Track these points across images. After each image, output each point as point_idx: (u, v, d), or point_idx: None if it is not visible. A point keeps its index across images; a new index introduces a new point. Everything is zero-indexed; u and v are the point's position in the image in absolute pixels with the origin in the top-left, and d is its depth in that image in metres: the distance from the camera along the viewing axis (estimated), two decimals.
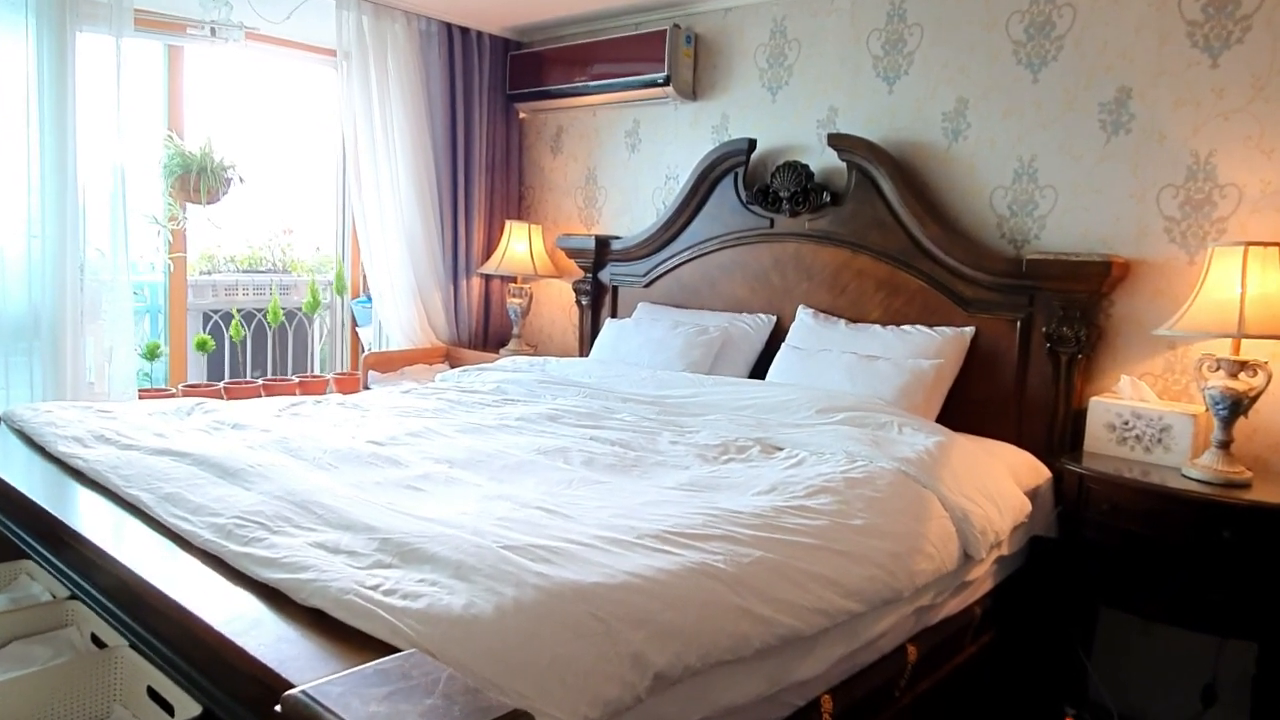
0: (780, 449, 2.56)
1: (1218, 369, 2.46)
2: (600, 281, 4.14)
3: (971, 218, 3.13)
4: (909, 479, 2.30)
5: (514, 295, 4.33)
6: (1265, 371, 2.39)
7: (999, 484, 2.50)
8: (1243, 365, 2.41)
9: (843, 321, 3.27)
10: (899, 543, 2.05)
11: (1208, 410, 2.49)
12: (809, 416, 2.76)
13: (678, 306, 3.82)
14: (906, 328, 3.11)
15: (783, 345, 3.27)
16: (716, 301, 3.72)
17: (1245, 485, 2.40)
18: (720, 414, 2.85)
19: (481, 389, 3.26)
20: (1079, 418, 2.80)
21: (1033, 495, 2.69)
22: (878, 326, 3.17)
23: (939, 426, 2.68)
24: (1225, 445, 2.45)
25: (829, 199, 3.33)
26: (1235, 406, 2.41)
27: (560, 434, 2.63)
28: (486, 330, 4.62)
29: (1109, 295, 2.84)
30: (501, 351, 4.26)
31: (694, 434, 2.69)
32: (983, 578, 2.45)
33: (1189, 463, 2.51)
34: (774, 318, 3.52)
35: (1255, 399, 2.40)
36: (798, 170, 3.40)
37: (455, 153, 4.31)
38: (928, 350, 2.98)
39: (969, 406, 3.01)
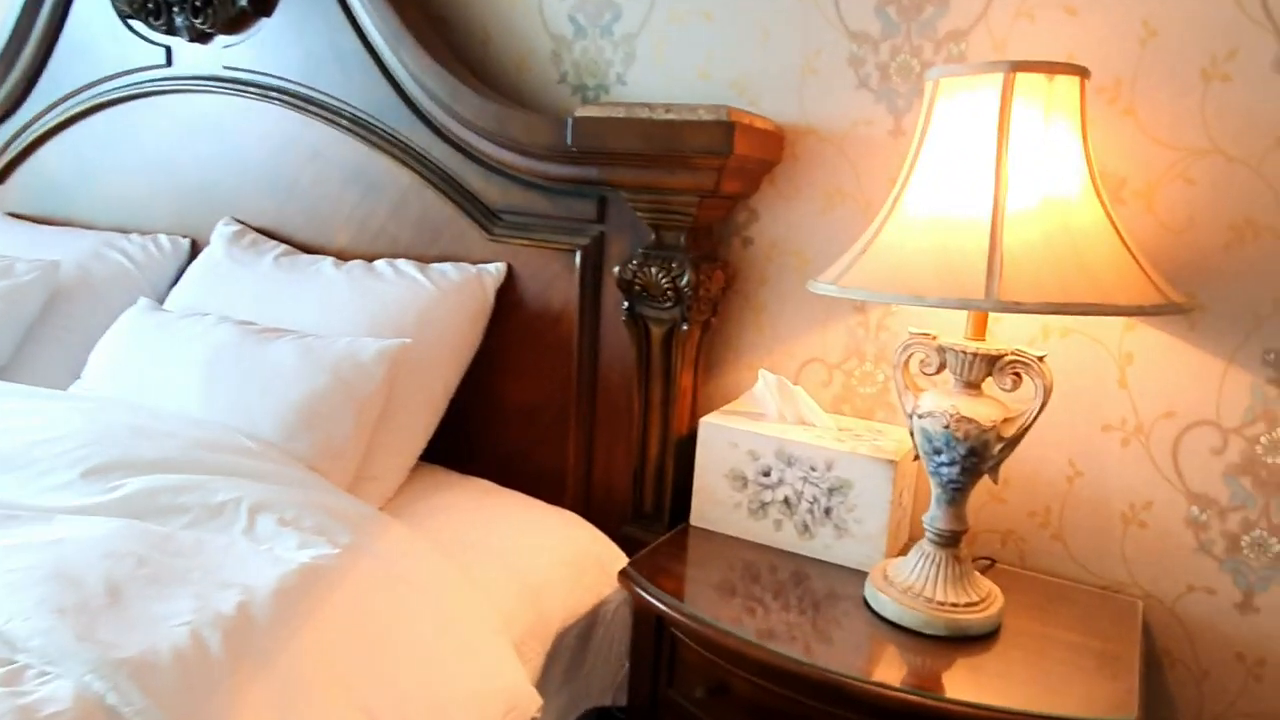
0: None
1: (939, 369, 1.07)
2: None
3: (505, 40, 1.57)
4: None
5: None
6: (1042, 379, 1.02)
7: (460, 671, 1.01)
8: (995, 363, 1.03)
9: (274, 252, 1.64)
10: None
11: (919, 458, 1.11)
12: (62, 486, 1.15)
13: (47, 223, 2.03)
14: (379, 266, 1.53)
15: (137, 303, 1.59)
16: (99, 211, 1.97)
17: (988, 635, 1.06)
18: None
19: None
20: (688, 450, 1.37)
21: (590, 621, 1.28)
22: (329, 263, 1.57)
23: (359, 509, 1.15)
24: (952, 540, 1.08)
25: (249, 3, 1.65)
26: (975, 457, 1.03)
27: None
28: None
29: (746, 200, 1.39)
30: None
31: None
32: None
33: (883, 571, 1.14)
34: (188, 241, 1.84)
35: (1018, 439, 1.04)
36: None
37: None
38: (405, 314, 1.41)
39: (496, 427, 1.51)
